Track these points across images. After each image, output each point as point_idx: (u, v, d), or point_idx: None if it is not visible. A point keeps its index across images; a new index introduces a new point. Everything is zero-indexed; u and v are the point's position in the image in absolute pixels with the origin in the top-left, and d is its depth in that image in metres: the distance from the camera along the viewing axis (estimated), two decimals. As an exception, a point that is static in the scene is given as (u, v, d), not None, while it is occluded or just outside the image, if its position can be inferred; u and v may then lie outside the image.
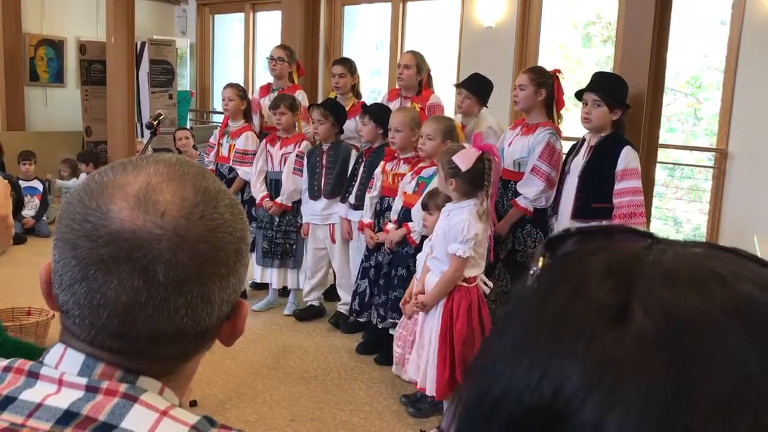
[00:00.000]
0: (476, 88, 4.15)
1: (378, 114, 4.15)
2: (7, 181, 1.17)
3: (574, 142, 3.77)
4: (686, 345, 0.32)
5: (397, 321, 3.70)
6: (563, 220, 3.62)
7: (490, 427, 0.35)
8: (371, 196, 4.11)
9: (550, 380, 0.33)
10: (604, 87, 3.47)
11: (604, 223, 3.34)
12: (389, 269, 3.93)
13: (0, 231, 1.13)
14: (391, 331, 3.74)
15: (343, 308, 4.53)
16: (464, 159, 2.94)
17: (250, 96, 5.33)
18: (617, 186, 3.38)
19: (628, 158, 3.38)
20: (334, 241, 4.46)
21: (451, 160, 2.97)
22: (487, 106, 4.25)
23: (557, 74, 3.84)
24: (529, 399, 0.33)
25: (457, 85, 4.22)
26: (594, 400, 0.31)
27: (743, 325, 0.32)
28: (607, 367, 0.32)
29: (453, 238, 2.94)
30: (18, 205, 1.23)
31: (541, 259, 0.42)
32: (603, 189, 3.41)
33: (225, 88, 5.00)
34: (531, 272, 0.41)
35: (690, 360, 0.31)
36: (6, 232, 1.13)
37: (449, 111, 4.91)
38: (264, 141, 4.79)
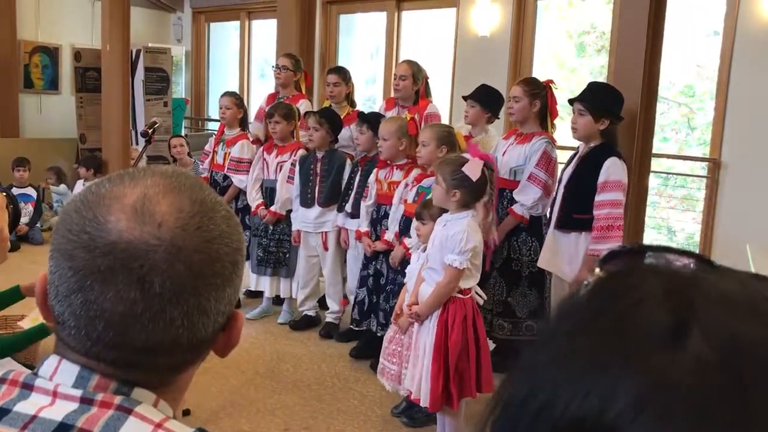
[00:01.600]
0: (482, 98, 4.13)
1: (375, 123, 4.16)
2: (4, 194, 1.17)
3: (568, 151, 3.79)
4: (745, 372, 0.31)
5: None
6: (549, 231, 3.64)
7: (533, 430, 0.35)
8: (366, 204, 4.12)
9: (600, 394, 0.33)
10: (590, 96, 3.47)
11: (582, 235, 3.34)
12: (394, 276, 3.93)
13: None
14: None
15: (331, 317, 4.52)
16: (474, 169, 2.94)
17: (246, 105, 5.33)
18: (597, 198, 3.36)
19: (610, 170, 3.35)
20: (326, 249, 4.46)
21: (457, 170, 2.96)
22: (498, 117, 4.24)
23: (550, 85, 3.86)
24: (574, 411, 0.33)
25: (466, 97, 4.21)
26: (644, 420, 0.31)
27: None
28: (661, 387, 0.32)
29: (450, 248, 2.94)
30: (15, 219, 1.22)
31: (597, 272, 0.42)
32: (586, 200, 3.40)
33: (222, 96, 5.00)
34: (585, 283, 0.41)
35: (748, 387, 0.31)
36: (2, 245, 1.12)
37: (444, 120, 4.91)
38: (260, 149, 4.80)
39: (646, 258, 0.41)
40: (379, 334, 3.98)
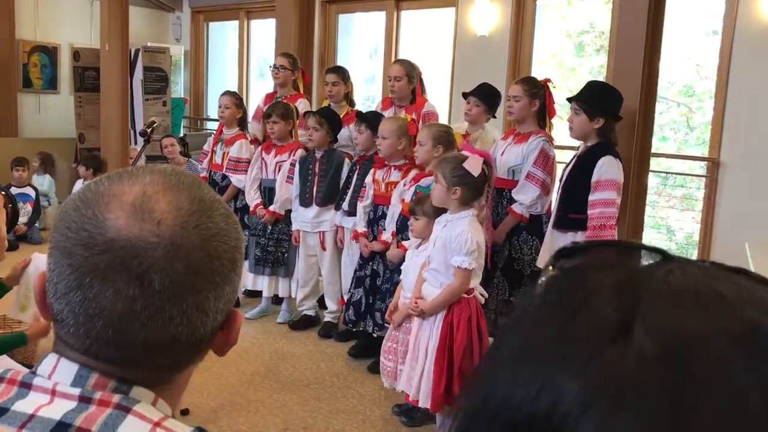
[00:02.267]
0: (485, 96, 4.13)
1: (374, 122, 4.15)
2: (2, 193, 1.17)
3: (570, 151, 3.79)
4: (687, 368, 0.31)
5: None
6: (548, 230, 3.64)
7: None
8: (363, 205, 4.12)
9: (550, 391, 0.33)
10: (585, 95, 3.48)
11: (579, 234, 3.34)
12: (390, 277, 3.93)
13: None
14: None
15: (329, 316, 4.52)
16: (475, 165, 2.94)
17: (245, 104, 5.33)
18: (590, 197, 3.36)
19: (603, 168, 3.34)
20: (324, 248, 4.46)
21: (458, 167, 2.96)
22: (495, 116, 4.24)
23: (548, 83, 3.86)
24: (528, 408, 0.33)
25: (466, 95, 4.21)
26: (592, 416, 0.31)
27: (745, 352, 0.32)
28: (606, 383, 0.32)
29: (456, 250, 2.93)
30: (14, 219, 1.22)
31: (550, 269, 0.42)
32: (581, 200, 3.39)
33: (222, 95, 5.00)
34: (539, 282, 0.41)
35: (689, 383, 0.31)
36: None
37: (443, 119, 4.90)
38: (259, 148, 4.79)
39: (599, 255, 0.41)
40: (375, 335, 3.98)
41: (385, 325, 3.86)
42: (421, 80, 4.58)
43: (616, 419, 0.31)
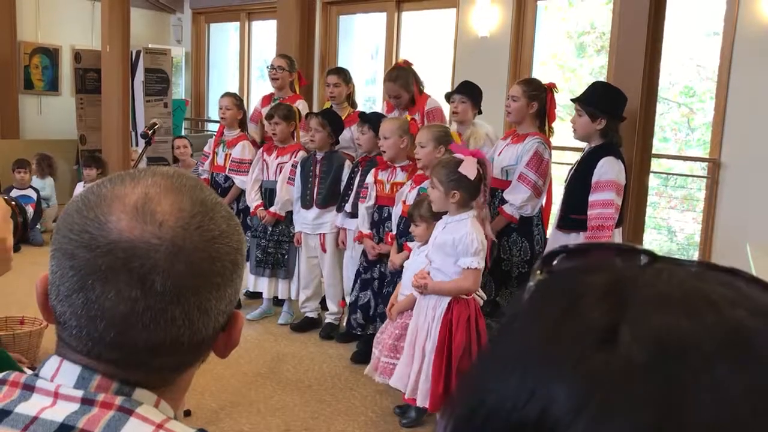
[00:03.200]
0: (469, 92, 4.16)
1: (377, 123, 4.15)
2: (13, 203, 1.16)
3: (568, 151, 3.79)
4: (673, 372, 0.31)
5: None
6: (551, 231, 3.65)
7: None
8: (366, 206, 4.11)
9: (538, 399, 0.33)
10: (587, 96, 3.48)
11: (581, 235, 3.35)
12: (397, 279, 3.92)
13: None
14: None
15: (330, 318, 4.52)
16: (470, 167, 2.94)
17: (246, 106, 5.32)
18: (590, 197, 3.36)
19: (602, 169, 3.34)
20: (324, 250, 4.46)
21: (453, 171, 2.97)
22: (480, 112, 4.26)
23: (552, 88, 3.85)
24: (517, 417, 0.33)
25: (449, 94, 4.21)
26: (581, 423, 0.31)
27: (733, 355, 0.31)
28: (593, 390, 0.31)
29: (463, 252, 2.94)
30: (23, 230, 1.22)
31: (538, 273, 0.41)
32: (583, 200, 3.40)
33: (222, 97, 5.00)
34: (527, 287, 0.40)
35: (676, 388, 0.31)
36: (4, 256, 1.11)
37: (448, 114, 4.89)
38: (260, 150, 4.79)
39: (586, 258, 0.41)
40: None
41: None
42: (417, 84, 4.46)
43: (603, 427, 0.31)
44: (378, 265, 4.04)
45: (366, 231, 4.09)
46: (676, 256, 0.40)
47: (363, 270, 4.13)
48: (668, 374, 0.31)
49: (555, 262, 0.42)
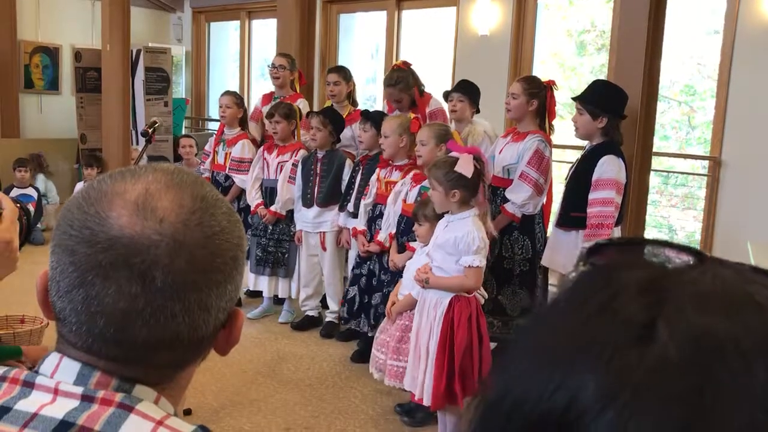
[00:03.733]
0: (467, 90, 4.16)
1: (379, 121, 4.15)
2: (18, 205, 1.17)
3: (569, 149, 3.78)
4: (709, 372, 0.31)
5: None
6: (551, 229, 3.65)
7: (507, 428, 0.35)
8: (365, 203, 4.12)
9: (567, 389, 0.32)
10: (588, 95, 3.48)
11: (579, 233, 3.34)
12: (392, 279, 3.92)
13: (4, 256, 1.13)
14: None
15: (331, 316, 4.52)
16: (467, 165, 2.94)
17: (246, 104, 5.32)
18: (590, 195, 3.37)
19: (603, 168, 3.35)
20: (324, 248, 4.46)
21: (450, 171, 2.96)
22: (479, 110, 4.25)
23: (551, 86, 3.85)
24: (544, 404, 0.33)
25: (447, 93, 4.21)
26: (608, 417, 0.31)
27: None
28: (625, 384, 0.31)
29: (464, 251, 2.94)
30: (28, 233, 1.22)
31: (581, 265, 0.41)
32: (583, 198, 3.40)
33: (222, 95, 5.00)
34: (568, 278, 0.40)
35: (711, 388, 0.30)
36: (10, 257, 1.12)
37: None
38: (261, 148, 4.79)
39: (631, 253, 0.40)
40: (369, 334, 3.99)
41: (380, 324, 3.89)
42: (418, 86, 4.41)
43: (632, 422, 0.30)
44: (368, 263, 4.06)
45: (361, 228, 4.10)
46: (724, 258, 0.39)
47: (355, 265, 4.15)
48: (704, 373, 0.31)
49: (597, 256, 0.41)
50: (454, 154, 3.07)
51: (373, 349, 3.41)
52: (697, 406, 0.30)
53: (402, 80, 4.34)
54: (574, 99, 3.55)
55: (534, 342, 0.37)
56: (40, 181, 7.12)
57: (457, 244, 2.95)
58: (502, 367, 0.37)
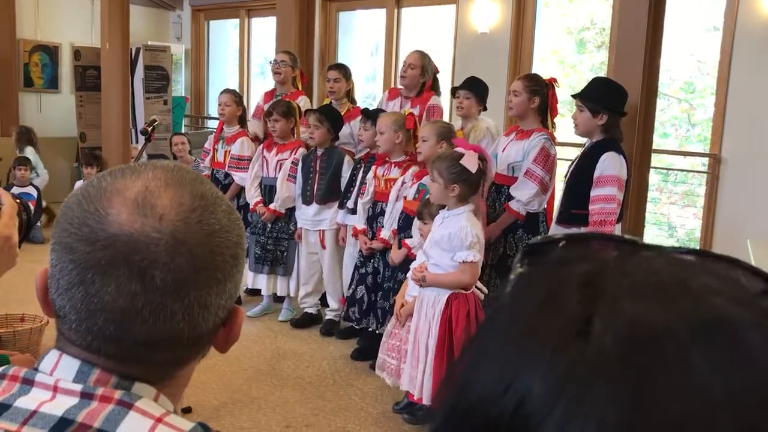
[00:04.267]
0: (475, 88, 4.16)
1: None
2: (18, 201, 1.16)
3: (567, 147, 3.78)
4: (646, 362, 0.30)
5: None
6: (552, 226, 3.65)
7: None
8: (363, 201, 4.12)
9: (515, 391, 0.32)
10: (588, 92, 3.48)
11: (582, 230, 3.35)
12: (391, 274, 3.93)
13: (4, 251, 1.12)
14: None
15: (331, 314, 4.52)
16: (471, 161, 2.94)
17: (245, 102, 5.32)
18: (592, 192, 3.36)
19: (604, 164, 3.35)
20: (324, 247, 4.46)
21: (454, 164, 2.96)
22: (485, 108, 4.26)
23: (553, 83, 3.85)
24: (495, 409, 0.33)
25: (454, 90, 4.22)
26: (554, 417, 0.30)
27: (709, 344, 0.30)
28: (567, 381, 0.31)
29: (458, 246, 2.93)
30: (27, 228, 1.22)
31: (519, 266, 0.41)
32: (583, 195, 3.40)
33: (221, 93, 4.99)
34: (510, 278, 0.40)
35: (648, 378, 0.30)
36: (10, 252, 1.11)
37: (444, 116, 4.89)
38: (260, 146, 4.79)
39: (569, 249, 0.40)
40: (377, 332, 3.99)
41: (387, 324, 3.88)
42: (435, 78, 4.53)
43: (575, 421, 0.30)
44: (372, 261, 4.06)
45: (361, 227, 4.10)
46: (667, 245, 0.39)
47: (359, 264, 4.15)
48: (640, 364, 0.30)
49: (537, 254, 0.41)
50: (459, 149, 3.07)
51: (382, 354, 3.39)
52: (637, 398, 0.29)
53: (427, 58, 4.47)
54: (574, 96, 3.54)
55: (483, 346, 0.36)
56: (30, 153, 7.04)
57: (452, 239, 2.95)
58: (455, 374, 0.37)
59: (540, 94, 3.79)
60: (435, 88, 4.55)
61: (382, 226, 3.99)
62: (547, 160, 3.70)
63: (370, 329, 4.07)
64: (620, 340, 0.31)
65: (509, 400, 0.32)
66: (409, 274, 3.37)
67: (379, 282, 4.04)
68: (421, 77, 4.43)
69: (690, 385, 0.30)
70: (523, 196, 3.71)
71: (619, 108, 3.48)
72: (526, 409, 0.31)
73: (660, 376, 0.30)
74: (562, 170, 4.01)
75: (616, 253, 0.37)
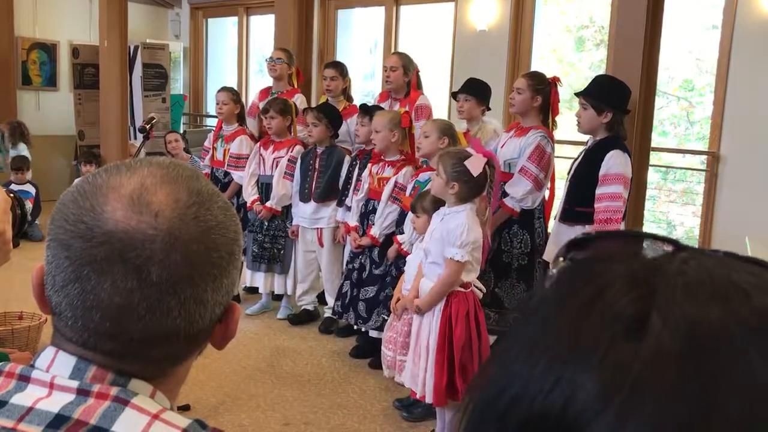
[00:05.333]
0: (474, 90, 4.15)
1: None
2: (12, 195, 1.15)
3: (567, 144, 3.78)
4: (706, 361, 0.30)
5: (381, 323, 3.73)
6: (554, 223, 3.65)
7: (502, 428, 0.34)
8: (357, 198, 4.14)
9: (563, 388, 0.32)
10: (592, 90, 3.48)
11: (587, 228, 3.35)
12: (385, 270, 3.94)
13: None
14: (379, 335, 3.75)
15: (329, 312, 4.53)
16: (476, 164, 2.93)
17: (244, 100, 5.32)
18: (597, 190, 3.36)
19: (610, 162, 3.34)
20: (322, 245, 4.46)
21: (458, 163, 2.96)
22: (489, 108, 4.25)
23: (555, 82, 3.85)
24: (540, 405, 0.32)
25: (455, 94, 4.22)
26: (607, 415, 0.30)
27: (766, 342, 0.30)
28: (622, 380, 0.31)
29: (451, 242, 2.93)
30: (22, 223, 1.21)
31: (561, 260, 0.40)
32: (588, 193, 3.40)
33: (219, 91, 4.98)
34: (550, 273, 0.39)
35: (709, 377, 0.30)
36: (3, 247, 1.11)
37: (439, 113, 4.91)
38: (257, 144, 4.79)
39: (611, 246, 0.40)
40: (355, 328, 4.08)
41: (371, 320, 3.92)
42: (417, 75, 4.61)
43: (630, 420, 0.30)
44: (360, 257, 4.07)
45: (353, 224, 4.11)
46: (698, 246, 0.39)
47: (349, 260, 4.20)
48: (700, 362, 0.30)
49: (577, 250, 0.40)
50: (470, 150, 3.07)
51: (382, 347, 3.41)
52: (697, 398, 0.29)
53: (405, 58, 4.55)
54: (577, 94, 3.54)
55: (526, 340, 0.36)
56: (24, 150, 7.02)
57: (447, 235, 2.96)
58: (494, 366, 0.37)
59: (543, 93, 3.79)
60: (419, 85, 4.64)
61: (373, 224, 4.01)
62: (542, 158, 3.70)
63: (351, 323, 4.11)
64: (680, 338, 0.31)
65: (557, 398, 0.32)
66: (406, 268, 3.38)
67: (363, 278, 4.06)
68: (404, 77, 4.50)
69: (751, 387, 0.30)
70: (516, 192, 3.71)
71: (623, 105, 3.48)
72: (576, 407, 0.31)
73: (720, 379, 0.30)
74: (563, 168, 4.01)
75: (660, 252, 0.37)
